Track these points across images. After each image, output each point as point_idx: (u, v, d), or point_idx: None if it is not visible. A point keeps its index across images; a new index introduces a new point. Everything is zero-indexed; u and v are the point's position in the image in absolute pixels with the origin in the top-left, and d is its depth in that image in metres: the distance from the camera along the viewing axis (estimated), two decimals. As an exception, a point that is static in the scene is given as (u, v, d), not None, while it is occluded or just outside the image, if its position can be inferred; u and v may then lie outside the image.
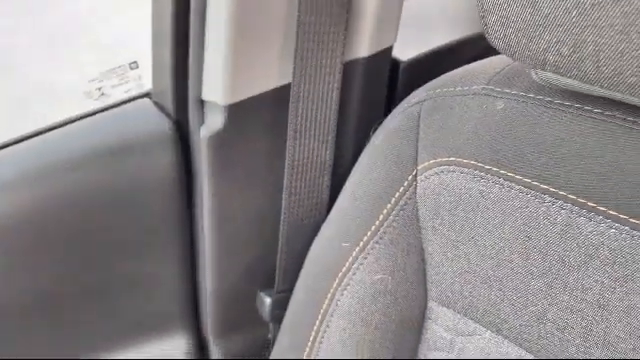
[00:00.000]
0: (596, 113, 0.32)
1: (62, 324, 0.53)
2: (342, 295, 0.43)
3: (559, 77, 0.31)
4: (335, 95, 0.48)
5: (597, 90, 0.31)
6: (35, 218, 0.49)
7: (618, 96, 0.30)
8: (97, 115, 0.52)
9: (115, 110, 0.52)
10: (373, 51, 0.49)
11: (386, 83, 0.52)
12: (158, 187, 0.51)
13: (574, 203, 0.32)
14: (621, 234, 0.31)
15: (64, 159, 0.50)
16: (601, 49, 0.28)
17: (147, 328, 0.56)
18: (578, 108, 0.33)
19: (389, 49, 0.50)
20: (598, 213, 0.31)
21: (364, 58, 0.48)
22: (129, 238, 0.53)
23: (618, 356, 0.31)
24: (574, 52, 0.29)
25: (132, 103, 0.53)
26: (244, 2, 0.41)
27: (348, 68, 0.48)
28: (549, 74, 0.31)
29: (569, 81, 0.31)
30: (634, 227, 0.31)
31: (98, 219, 0.51)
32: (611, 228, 0.31)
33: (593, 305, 0.32)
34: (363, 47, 0.48)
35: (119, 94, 0.54)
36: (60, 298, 0.52)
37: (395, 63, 0.53)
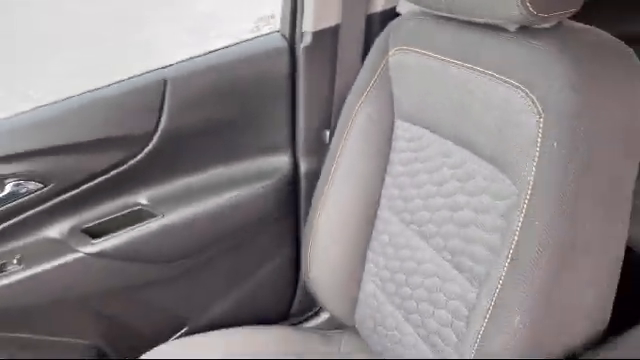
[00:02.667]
0: (440, 18, 0.80)
1: (210, 147, 1.06)
2: (356, 118, 0.94)
3: (424, 8, 0.79)
4: (362, 32, 0.99)
5: (439, 12, 0.78)
6: (209, 87, 1.02)
7: (448, 15, 0.77)
8: (252, 40, 1.07)
9: (261, 38, 1.07)
10: (386, 7, 0.99)
11: None
12: (279, 75, 1.05)
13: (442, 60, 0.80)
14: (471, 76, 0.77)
15: (233, 59, 1.05)
16: None
17: (265, 151, 1.10)
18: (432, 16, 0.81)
19: (394, 7, 0.99)
20: (463, 66, 0.78)
21: (378, 12, 0.99)
22: (257, 102, 1.05)
23: None
24: None
25: (270, 35, 1.07)
26: None
27: (369, 18, 0.98)
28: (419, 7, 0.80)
29: (427, 9, 0.79)
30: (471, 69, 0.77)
31: (243, 89, 1.04)
32: (470, 72, 0.76)
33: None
34: (380, 3, 0.98)
35: (265, 30, 1.10)
36: (213, 131, 1.05)
37: (397, 15, 1.02)
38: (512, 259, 0.62)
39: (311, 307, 1.22)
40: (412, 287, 0.86)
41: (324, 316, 1.20)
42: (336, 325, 1.11)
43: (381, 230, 0.95)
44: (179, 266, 1.06)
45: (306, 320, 1.21)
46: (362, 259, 0.98)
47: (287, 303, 1.21)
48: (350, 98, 0.95)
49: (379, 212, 0.96)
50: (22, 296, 0.96)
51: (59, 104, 0.95)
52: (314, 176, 1.06)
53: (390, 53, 0.89)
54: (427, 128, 0.84)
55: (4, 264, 0.96)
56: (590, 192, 0.60)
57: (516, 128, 0.65)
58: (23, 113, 0.93)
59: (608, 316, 0.66)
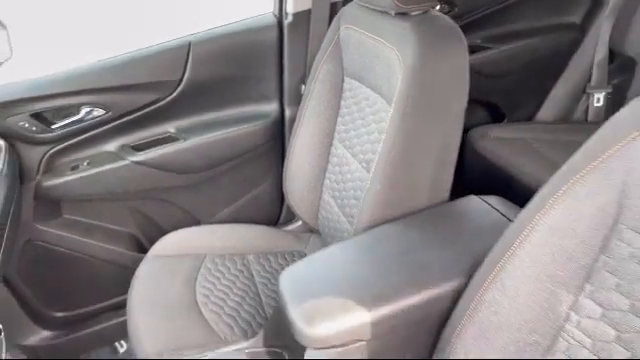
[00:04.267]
0: (363, 6, 1.19)
1: (220, 93, 1.50)
2: (319, 74, 1.33)
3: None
4: (327, 14, 1.38)
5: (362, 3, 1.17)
6: (221, 50, 1.45)
7: (365, 4, 1.16)
8: (252, 18, 1.48)
9: (259, 16, 1.48)
10: (346, -3, 1.38)
11: None
12: (271, 43, 1.46)
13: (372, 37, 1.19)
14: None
15: (238, 30, 1.46)
16: None
17: (260, 99, 1.51)
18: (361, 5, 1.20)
19: None
20: (372, 38, 1.17)
21: (340, 1, 1.38)
22: (255, 63, 1.47)
23: None
24: None
25: (265, 15, 1.48)
26: None
27: (333, 5, 1.38)
28: None
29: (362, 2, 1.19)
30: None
31: (245, 53, 1.46)
32: (376, 42, 1.17)
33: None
34: None
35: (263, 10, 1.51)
36: (223, 82, 1.48)
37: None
38: (381, 151, 1.02)
39: (293, 217, 1.64)
40: (346, 190, 1.27)
41: (299, 222, 1.62)
42: (307, 229, 1.53)
43: (333, 154, 1.35)
44: (195, 178, 1.50)
45: (287, 225, 1.63)
46: (322, 177, 1.39)
47: (276, 213, 1.64)
48: (316, 60, 1.35)
49: (333, 141, 1.36)
50: (88, 187, 1.42)
51: (118, 57, 1.38)
52: (295, 119, 1.46)
53: (341, 29, 1.28)
54: (358, 80, 1.24)
55: (77, 165, 1.41)
56: (423, 108, 0.99)
57: (393, 75, 1.05)
58: (97, 61, 1.37)
59: (446, 188, 1.05)
